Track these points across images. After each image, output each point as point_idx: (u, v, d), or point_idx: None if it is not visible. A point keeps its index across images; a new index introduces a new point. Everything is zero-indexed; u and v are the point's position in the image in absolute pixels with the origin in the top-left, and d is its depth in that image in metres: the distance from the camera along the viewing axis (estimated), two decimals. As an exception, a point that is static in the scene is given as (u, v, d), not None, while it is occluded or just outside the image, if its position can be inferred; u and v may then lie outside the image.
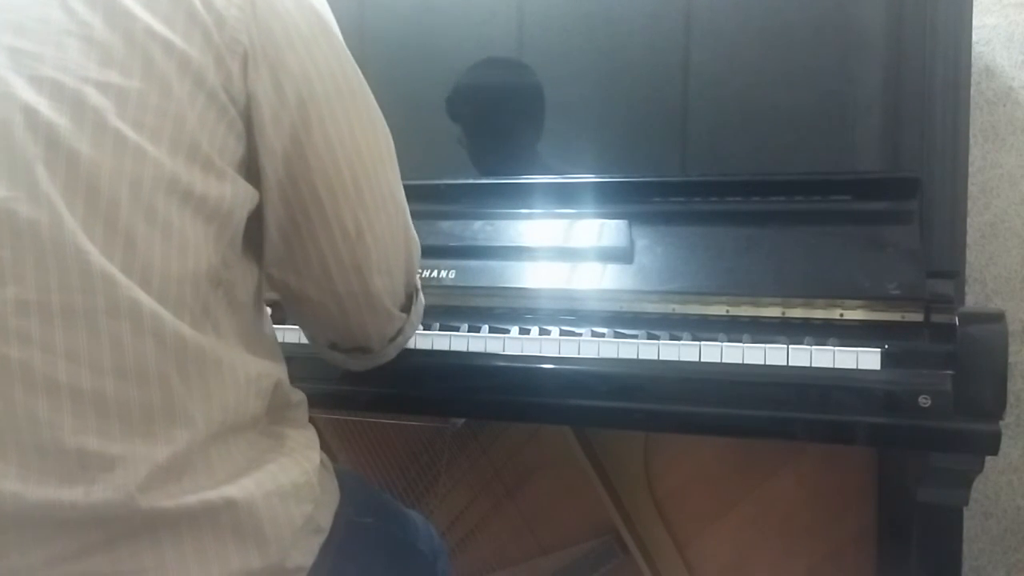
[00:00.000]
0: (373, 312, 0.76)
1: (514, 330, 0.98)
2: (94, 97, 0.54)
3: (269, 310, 0.76)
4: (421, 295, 0.86)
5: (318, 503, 0.68)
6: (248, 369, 0.64)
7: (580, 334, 0.96)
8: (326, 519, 0.70)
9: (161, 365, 0.56)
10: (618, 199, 1.07)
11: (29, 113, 0.53)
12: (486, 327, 0.99)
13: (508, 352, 0.94)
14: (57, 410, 0.53)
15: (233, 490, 0.59)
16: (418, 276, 0.84)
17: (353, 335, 0.79)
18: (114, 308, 0.54)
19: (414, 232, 0.79)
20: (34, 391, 0.52)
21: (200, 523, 0.57)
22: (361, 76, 0.70)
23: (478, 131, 1.19)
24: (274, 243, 0.68)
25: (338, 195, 0.67)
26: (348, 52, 0.70)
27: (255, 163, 0.64)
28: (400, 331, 0.82)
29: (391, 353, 0.85)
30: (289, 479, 0.64)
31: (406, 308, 0.82)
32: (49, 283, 0.52)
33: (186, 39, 0.58)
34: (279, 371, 0.69)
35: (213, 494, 0.58)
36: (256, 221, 0.67)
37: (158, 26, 0.57)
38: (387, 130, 0.73)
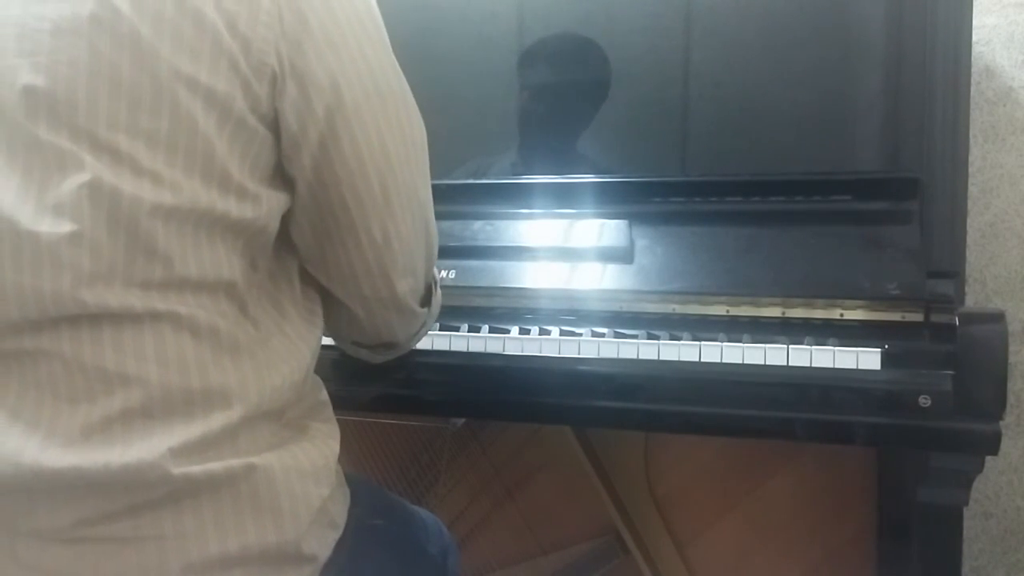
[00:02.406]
0: (399, 313, 0.77)
1: (514, 330, 0.98)
2: (126, 143, 0.57)
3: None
4: (439, 288, 0.87)
5: (334, 492, 0.69)
6: (285, 362, 0.66)
7: (580, 334, 0.96)
8: (340, 515, 0.71)
9: (199, 354, 0.60)
10: (618, 199, 1.07)
11: (74, 160, 0.56)
12: (486, 327, 0.99)
13: (508, 352, 0.94)
14: (108, 394, 0.57)
15: (255, 459, 0.61)
16: (436, 269, 0.85)
17: (379, 334, 0.80)
18: (155, 317, 0.58)
19: (434, 224, 0.79)
20: (87, 378, 0.57)
21: (221, 492, 0.59)
22: (396, 68, 0.70)
23: (478, 131, 1.19)
24: (306, 238, 0.69)
25: (366, 204, 0.68)
26: (385, 43, 0.69)
27: (286, 170, 0.65)
28: (422, 325, 0.84)
29: (413, 345, 0.87)
30: (309, 459, 0.66)
31: (426, 302, 0.83)
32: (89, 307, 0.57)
33: (212, 72, 0.58)
34: (310, 361, 0.71)
35: (235, 461, 0.60)
36: (288, 219, 0.68)
37: (183, 64, 0.58)
38: (419, 120, 0.73)
